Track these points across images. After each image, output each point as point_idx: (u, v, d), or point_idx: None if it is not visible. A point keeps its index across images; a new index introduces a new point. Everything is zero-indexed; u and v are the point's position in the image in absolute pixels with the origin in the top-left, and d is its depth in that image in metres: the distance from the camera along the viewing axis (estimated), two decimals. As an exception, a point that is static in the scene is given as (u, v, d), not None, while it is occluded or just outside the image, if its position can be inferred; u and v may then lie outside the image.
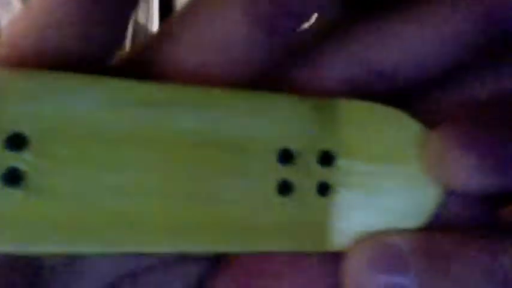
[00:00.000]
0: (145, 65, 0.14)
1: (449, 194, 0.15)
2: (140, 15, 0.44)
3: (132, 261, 0.16)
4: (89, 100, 0.13)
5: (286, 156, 0.15)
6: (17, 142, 0.13)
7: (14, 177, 0.13)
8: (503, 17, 0.15)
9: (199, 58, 0.14)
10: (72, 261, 0.16)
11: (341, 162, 0.15)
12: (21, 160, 0.13)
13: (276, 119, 0.15)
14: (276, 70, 0.15)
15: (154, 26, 0.41)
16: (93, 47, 0.14)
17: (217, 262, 0.17)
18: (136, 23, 0.42)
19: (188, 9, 0.14)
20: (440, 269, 0.14)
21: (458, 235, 0.15)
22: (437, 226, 0.16)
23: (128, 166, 0.13)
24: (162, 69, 0.14)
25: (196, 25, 0.14)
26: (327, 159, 0.15)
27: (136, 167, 0.13)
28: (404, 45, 0.15)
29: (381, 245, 0.15)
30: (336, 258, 0.15)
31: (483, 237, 0.15)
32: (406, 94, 0.16)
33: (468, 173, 0.14)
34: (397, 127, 0.16)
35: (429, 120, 0.15)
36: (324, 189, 0.15)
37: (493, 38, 0.15)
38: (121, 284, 0.16)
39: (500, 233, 0.15)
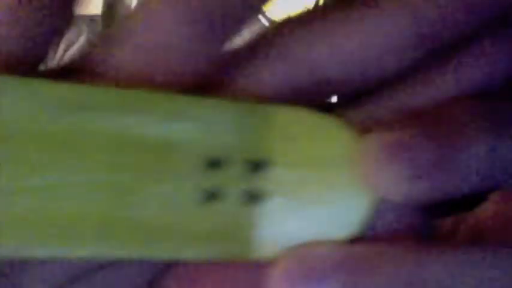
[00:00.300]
0: (88, 69, 0.14)
1: (383, 203, 0.15)
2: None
3: (82, 262, 0.16)
4: (13, 100, 0.13)
5: (213, 163, 0.15)
6: None
7: None
8: (439, 23, 0.15)
9: (139, 60, 0.14)
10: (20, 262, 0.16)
11: (271, 170, 0.15)
12: None
13: (205, 124, 0.15)
14: (218, 74, 0.15)
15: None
16: (35, 47, 0.14)
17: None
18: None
19: (131, 12, 0.14)
20: (362, 282, 0.14)
21: (385, 246, 0.15)
22: (371, 235, 0.15)
23: (50, 168, 0.13)
24: (104, 72, 0.14)
25: (136, 27, 0.14)
26: (257, 166, 0.15)
27: (59, 170, 0.14)
28: (347, 49, 0.15)
29: (301, 257, 0.15)
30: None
31: (411, 249, 0.15)
32: (343, 100, 0.16)
33: (394, 182, 0.14)
34: (331, 134, 0.15)
35: (365, 127, 0.15)
36: (252, 197, 0.15)
37: (432, 47, 0.15)
38: (74, 282, 0.16)
39: (430, 245, 0.15)
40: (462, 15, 0.15)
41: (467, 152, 0.15)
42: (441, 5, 0.14)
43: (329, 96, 0.16)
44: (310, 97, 0.15)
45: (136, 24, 0.14)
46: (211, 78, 0.15)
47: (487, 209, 0.18)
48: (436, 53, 0.15)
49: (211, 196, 0.14)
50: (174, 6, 0.14)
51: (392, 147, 0.14)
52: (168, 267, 0.17)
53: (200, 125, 0.14)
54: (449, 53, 0.15)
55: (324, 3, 0.16)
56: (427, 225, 0.16)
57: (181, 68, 0.14)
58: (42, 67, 0.15)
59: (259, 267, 0.15)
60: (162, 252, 0.15)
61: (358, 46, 0.15)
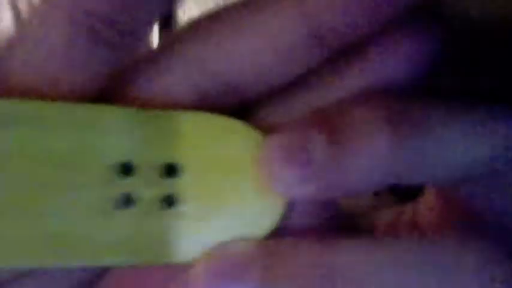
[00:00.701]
0: None
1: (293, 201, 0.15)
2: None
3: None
4: None
5: (125, 170, 0.14)
6: None
7: None
8: (332, 23, 0.14)
9: (31, 66, 0.14)
10: None
11: (183, 175, 0.15)
12: None
13: (113, 132, 0.14)
14: (120, 81, 0.15)
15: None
16: None
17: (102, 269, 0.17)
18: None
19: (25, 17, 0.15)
20: (279, 274, 0.15)
21: (296, 240, 0.15)
22: (285, 230, 0.16)
23: None
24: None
25: (26, 31, 0.14)
26: (168, 171, 0.15)
27: None
28: (239, 55, 0.15)
29: (220, 256, 0.15)
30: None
31: (320, 241, 0.15)
32: (250, 104, 0.16)
33: (289, 184, 0.15)
34: (239, 138, 0.15)
35: (272, 129, 0.15)
36: (169, 201, 0.15)
37: (326, 46, 0.15)
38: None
39: (337, 234, 0.15)
40: (356, 15, 0.14)
41: (363, 150, 0.14)
42: (333, 4, 0.14)
43: (236, 100, 0.16)
44: (218, 102, 0.15)
45: (25, 25, 0.14)
46: (118, 87, 0.15)
47: (422, 203, 0.18)
48: (338, 53, 0.15)
49: (125, 203, 0.15)
50: (62, 7, 0.14)
51: (286, 149, 0.15)
52: (101, 274, 0.17)
53: (109, 134, 0.14)
54: (352, 52, 0.15)
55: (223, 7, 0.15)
56: (340, 216, 0.17)
57: (76, 72, 0.14)
58: None
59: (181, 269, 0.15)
60: (79, 260, 0.14)
61: (250, 51, 0.15)
